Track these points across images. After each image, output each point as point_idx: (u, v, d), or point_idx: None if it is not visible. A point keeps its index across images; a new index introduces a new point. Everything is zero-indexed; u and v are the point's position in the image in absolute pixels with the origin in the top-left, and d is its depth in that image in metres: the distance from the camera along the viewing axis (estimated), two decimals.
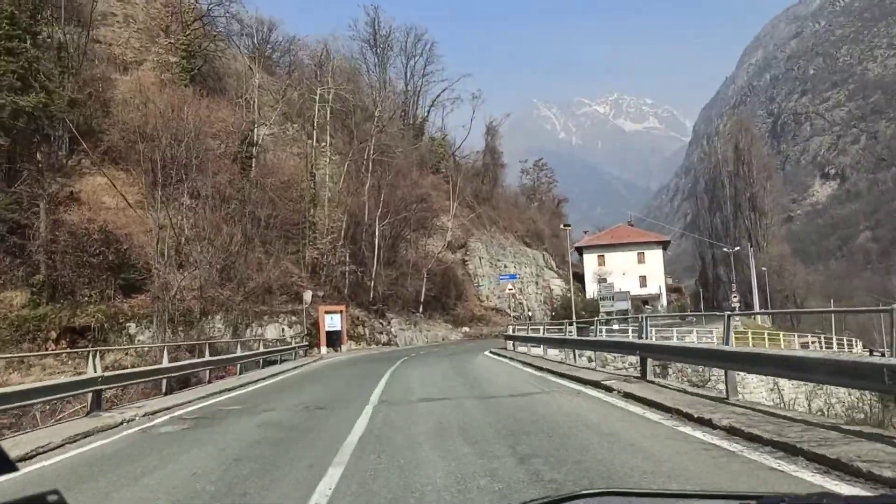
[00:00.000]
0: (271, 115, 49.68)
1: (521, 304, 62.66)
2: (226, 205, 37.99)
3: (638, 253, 76.19)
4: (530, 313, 58.76)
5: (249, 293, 32.09)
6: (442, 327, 51.01)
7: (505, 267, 62.40)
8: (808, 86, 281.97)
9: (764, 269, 77.11)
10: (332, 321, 41.89)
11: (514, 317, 59.07)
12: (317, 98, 44.89)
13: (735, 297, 46.36)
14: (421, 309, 50.74)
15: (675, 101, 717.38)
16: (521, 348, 27.63)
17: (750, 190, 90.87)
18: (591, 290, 74.76)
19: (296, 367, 26.45)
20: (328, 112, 46.72)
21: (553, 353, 24.93)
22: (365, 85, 60.29)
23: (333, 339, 42.38)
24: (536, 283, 66.15)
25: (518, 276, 62.04)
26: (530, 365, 19.74)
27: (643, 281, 74.73)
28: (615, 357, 31.51)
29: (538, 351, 25.45)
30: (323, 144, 48.50)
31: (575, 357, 24.41)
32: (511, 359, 23.49)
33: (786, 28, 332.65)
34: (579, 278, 76.41)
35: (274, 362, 28.65)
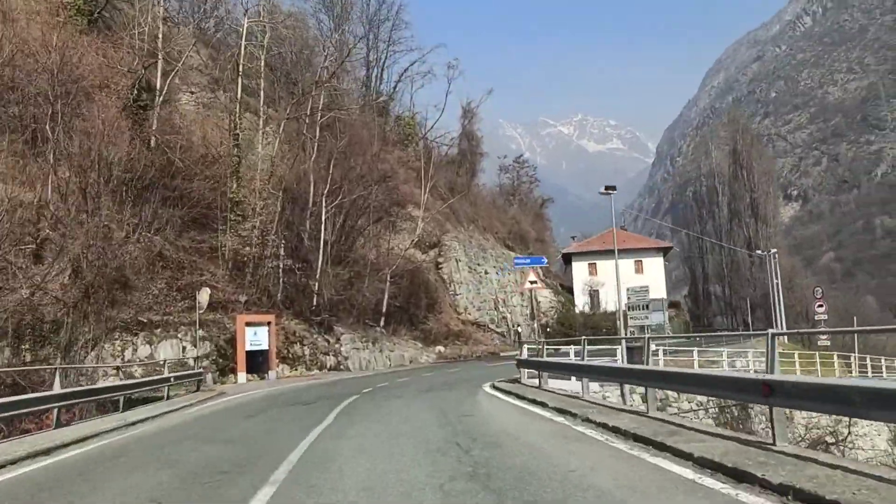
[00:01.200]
0: (190, 70, 37.22)
1: (504, 318, 50.44)
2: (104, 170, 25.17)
3: (635, 261, 64.41)
4: (518, 328, 46.78)
5: (92, 287, 19.09)
6: (409, 346, 38.51)
7: (486, 273, 50.19)
8: (770, 108, 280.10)
9: (777, 281, 66.34)
10: (256, 337, 29.05)
11: (500, 333, 46.86)
12: (243, 30, 32.18)
13: (822, 306, 34.58)
14: (382, 322, 38.19)
15: (637, 123, 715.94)
16: (557, 384, 15.36)
17: (750, 195, 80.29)
18: (581, 302, 62.97)
19: (152, 417, 13.75)
20: (263, 58, 34.02)
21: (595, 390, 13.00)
22: (318, 50, 47.53)
23: (258, 363, 29.53)
24: (521, 294, 53.97)
25: (500, 278, 50.02)
26: (646, 442, 7.62)
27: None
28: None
29: (589, 389, 13.23)
30: (265, 117, 35.89)
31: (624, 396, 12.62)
32: (558, 411, 11.11)
33: (747, 52, 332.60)
34: (568, 290, 64.57)
35: (130, 403, 15.84)
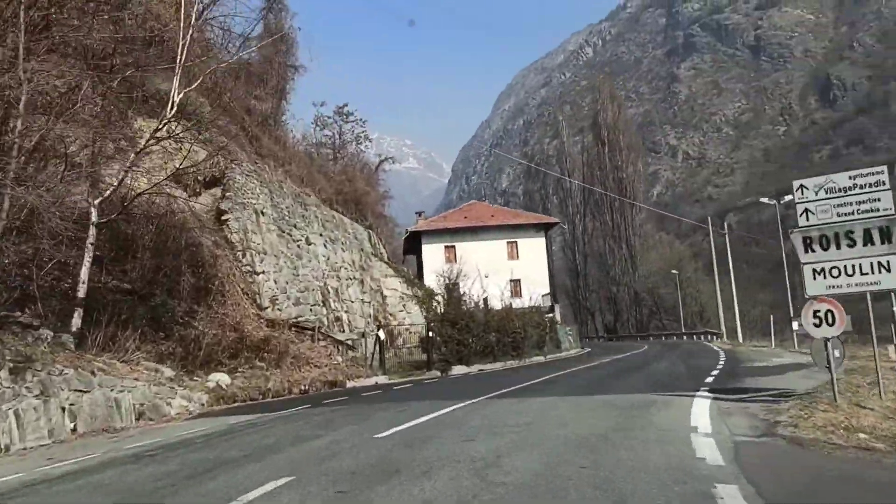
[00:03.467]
0: None
1: (338, 319, 28.72)
2: None
3: (508, 242, 45.78)
4: (379, 333, 25.64)
5: None
6: (141, 376, 15.56)
7: (309, 243, 28.21)
8: (558, 130, 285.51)
9: (691, 274, 51.82)
10: None
11: (344, 343, 25.11)
12: None
13: None
14: (76, 321, 15.08)
15: (432, 143, 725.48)
16: None
17: (617, 174, 65.59)
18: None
19: None
20: None
21: None
22: None
23: None
24: (362, 283, 32.61)
25: (332, 260, 28.51)
26: None
27: (516, 287, 44.44)
28: None
29: None
30: None
31: None
32: None
33: (535, 78, 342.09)
34: (418, 277, 44.16)
35: None
